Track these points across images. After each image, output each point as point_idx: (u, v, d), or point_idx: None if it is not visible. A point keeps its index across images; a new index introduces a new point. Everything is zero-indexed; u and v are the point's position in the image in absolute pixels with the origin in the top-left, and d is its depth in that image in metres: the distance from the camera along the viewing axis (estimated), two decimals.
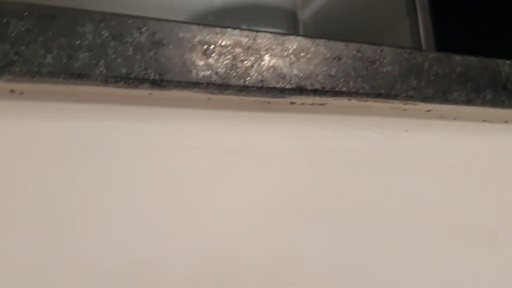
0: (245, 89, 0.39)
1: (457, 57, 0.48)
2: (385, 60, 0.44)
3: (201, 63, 0.38)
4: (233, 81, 0.39)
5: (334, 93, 0.42)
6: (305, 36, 0.42)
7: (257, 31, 0.40)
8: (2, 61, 0.32)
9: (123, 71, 0.35)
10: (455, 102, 0.47)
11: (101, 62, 0.34)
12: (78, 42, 0.34)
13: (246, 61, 0.39)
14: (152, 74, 0.36)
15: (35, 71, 0.33)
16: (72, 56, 0.34)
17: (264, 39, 0.40)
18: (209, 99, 0.40)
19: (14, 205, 0.34)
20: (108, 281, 0.35)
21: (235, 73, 0.39)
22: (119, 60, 0.35)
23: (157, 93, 0.38)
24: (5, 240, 0.33)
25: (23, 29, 0.33)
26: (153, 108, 0.38)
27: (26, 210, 0.33)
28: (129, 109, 0.38)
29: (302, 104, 0.43)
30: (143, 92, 0.37)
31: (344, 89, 0.42)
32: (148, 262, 0.36)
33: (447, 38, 0.79)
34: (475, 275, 0.48)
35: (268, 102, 0.42)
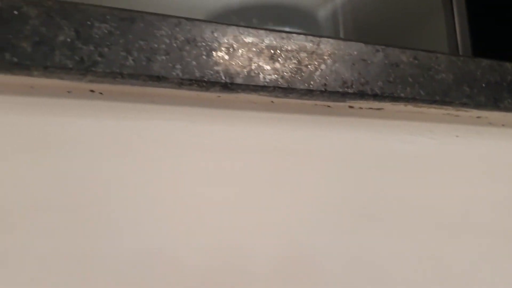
0: (308, 93, 0.40)
1: (509, 65, 0.49)
2: (440, 67, 0.45)
3: (268, 67, 0.39)
4: (298, 85, 0.40)
5: (393, 98, 0.43)
6: (365, 42, 0.43)
7: (321, 36, 0.41)
8: (87, 62, 0.33)
9: (197, 74, 0.36)
10: (506, 109, 0.48)
11: (177, 65, 0.36)
12: (156, 45, 0.35)
13: (310, 66, 0.40)
14: (223, 77, 0.37)
15: (117, 72, 0.34)
16: (151, 59, 0.35)
17: (327, 44, 0.41)
18: (272, 102, 0.41)
19: (90, 198, 0.35)
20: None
21: (300, 77, 0.40)
22: (193, 63, 0.36)
23: (225, 96, 0.39)
24: (92, 225, 0.34)
25: (105, 31, 0.34)
26: (220, 110, 0.40)
27: (104, 203, 0.35)
28: (198, 111, 0.39)
29: (360, 108, 0.44)
30: (212, 94, 0.38)
31: (402, 95, 0.43)
32: (235, 251, 0.37)
33: (483, 36, 0.80)
34: None
35: (328, 106, 0.43)
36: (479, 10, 0.79)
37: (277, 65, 0.39)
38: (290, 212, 0.41)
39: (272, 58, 0.39)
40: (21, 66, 0.32)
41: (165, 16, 0.37)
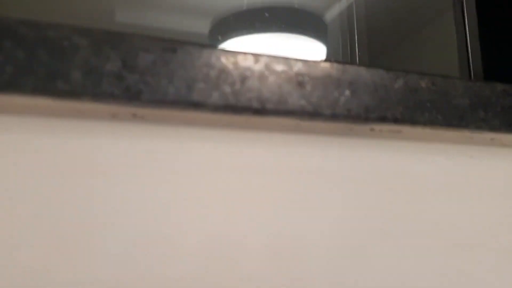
0: (333, 117, 0.43)
1: None
2: (456, 93, 0.48)
3: (296, 93, 0.41)
4: (323, 110, 0.42)
5: (412, 122, 0.45)
6: (387, 69, 0.45)
7: (345, 63, 0.44)
8: (132, 89, 0.36)
9: (232, 101, 0.39)
10: None
11: (214, 93, 0.38)
12: (194, 74, 0.38)
13: (335, 92, 0.43)
14: (255, 103, 0.40)
15: (160, 100, 0.37)
16: (191, 87, 0.38)
17: (351, 71, 0.44)
18: (299, 125, 0.44)
19: (132, 216, 0.38)
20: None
21: (325, 103, 0.42)
22: (228, 91, 0.39)
23: (256, 119, 0.41)
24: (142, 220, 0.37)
25: (150, 61, 0.37)
26: (251, 133, 0.42)
27: (144, 222, 0.38)
28: (232, 134, 0.42)
29: (380, 130, 0.47)
30: (245, 118, 0.41)
31: (420, 119, 0.46)
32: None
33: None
34: None
35: (350, 129, 0.46)
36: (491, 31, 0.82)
37: (304, 91, 0.42)
38: (311, 228, 0.43)
39: (300, 85, 0.42)
40: (72, 93, 0.35)
41: (203, 46, 0.39)
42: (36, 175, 0.36)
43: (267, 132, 0.43)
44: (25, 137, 0.36)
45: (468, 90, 0.49)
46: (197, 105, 0.38)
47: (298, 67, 0.42)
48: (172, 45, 0.38)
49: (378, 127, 0.46)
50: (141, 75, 0.37)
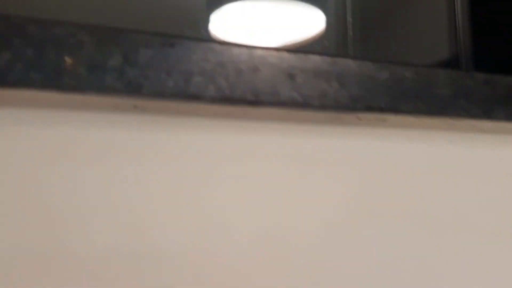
0: (322, 108, 0.45)
1: (501, 80, 0.54)
2: (439, 83, 0.51)
3: (287, 85, 0.44)
4: (313, 101, 0.45)
5: (396, 111, 0.48)
6: (373, 61, 0.48)
7: (335, 56, 0.47)
8: (133, 84, 0.39)
9: (227, 93, 0.41)
10: (497, 119, 0.54)
11: (211, 86, 0.41)
12: (191, 67, 0.41)
13: (324, 84, 0.45)
14: (249, 95, 0.42)
15: (159, 93, 0.39)
16: (188, 80, 0.40)
17: (340, 63, 0.46)
18: (290, 115, 0.47)
19: (133, 204, 0.41)
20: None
21: (315, 94, 0.45)
22: (224, 83, 0.41)
23: (250, 110, 0.44)
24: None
25: (149, 56, 0.39)
26: (246, 122, 0.45)
27: (147, 209, 0.41)
28: (228, 123, 0.44)
29: (367, 119, 0.50)
30: (240, 109, 0.44)
31: (404, 108, 0.48)
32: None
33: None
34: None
35: (338, 118, 0.48)
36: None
37: (295, 83, 0.44)
38: (301, 208, 0.46)
39: (291, 78, 0.44)
40: (78, 88, 0.37)
41: (199, 40, 0.42)
42: (46, 164, 0.39)
43: (261, 121, 0.46)
44: (35, 128, 0.39)
45: (450, 80, 0.52)
46: (196, 98, 0.40)
47: (289, 60, 0.45)
48: (170, 40, 0.40)
49: (364, 116, 0.49)
50: (142, 70, 0.39)
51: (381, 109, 0.48)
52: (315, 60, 0.46)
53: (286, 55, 0.45)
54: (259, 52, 0.43)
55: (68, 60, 0.37)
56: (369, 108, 0.47)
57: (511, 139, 0.58)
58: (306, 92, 0.45)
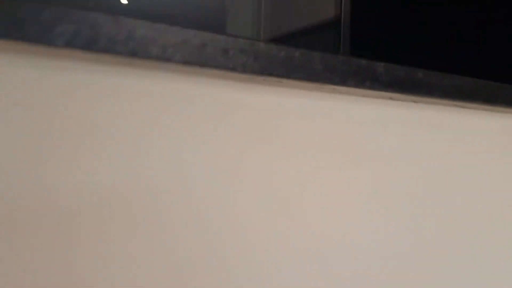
0: (244, 72, 0.73)
1: (355, 60, 0.85)
2: (315, 61, 0.80)
3: (223, 57, 0.71)
4: (238, 68, 0.73)
5: (288, 77, 0.77)
6: (277, 45, 0.76)
7: (254, 39, 0.74)
8: None
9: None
10: (350, 86, 0.85)
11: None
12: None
13: (245, 58, 0.73)
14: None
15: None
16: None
17: (256, 46, 0.74)
18: (224, 75, 0.74)
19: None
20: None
21: (239, 63, 0.72)
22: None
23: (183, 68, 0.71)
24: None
25: None
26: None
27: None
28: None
29: (269, 81, 0.78)
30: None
31: (294, 75, 0.78)
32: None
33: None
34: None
35: (251, 79, 0.77)
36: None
37: (228, 56, 0.71)
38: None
39: (226, 52, 0.71)
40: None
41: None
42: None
43: (209, 78, 0.73)
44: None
45: (322, 59, 0.82)
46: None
47: (224, 41, 0.71)
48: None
49: (268, 79, 0.77)
50: None
51: (278, 75, 0.77)
52: (243, 42, 0.73)
53: (220, 37, 0.71)
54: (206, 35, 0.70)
55: None
56: (270, 74, 0.76)
57: (360, 99, 0.90)
58: (235, 63, 0.72)
